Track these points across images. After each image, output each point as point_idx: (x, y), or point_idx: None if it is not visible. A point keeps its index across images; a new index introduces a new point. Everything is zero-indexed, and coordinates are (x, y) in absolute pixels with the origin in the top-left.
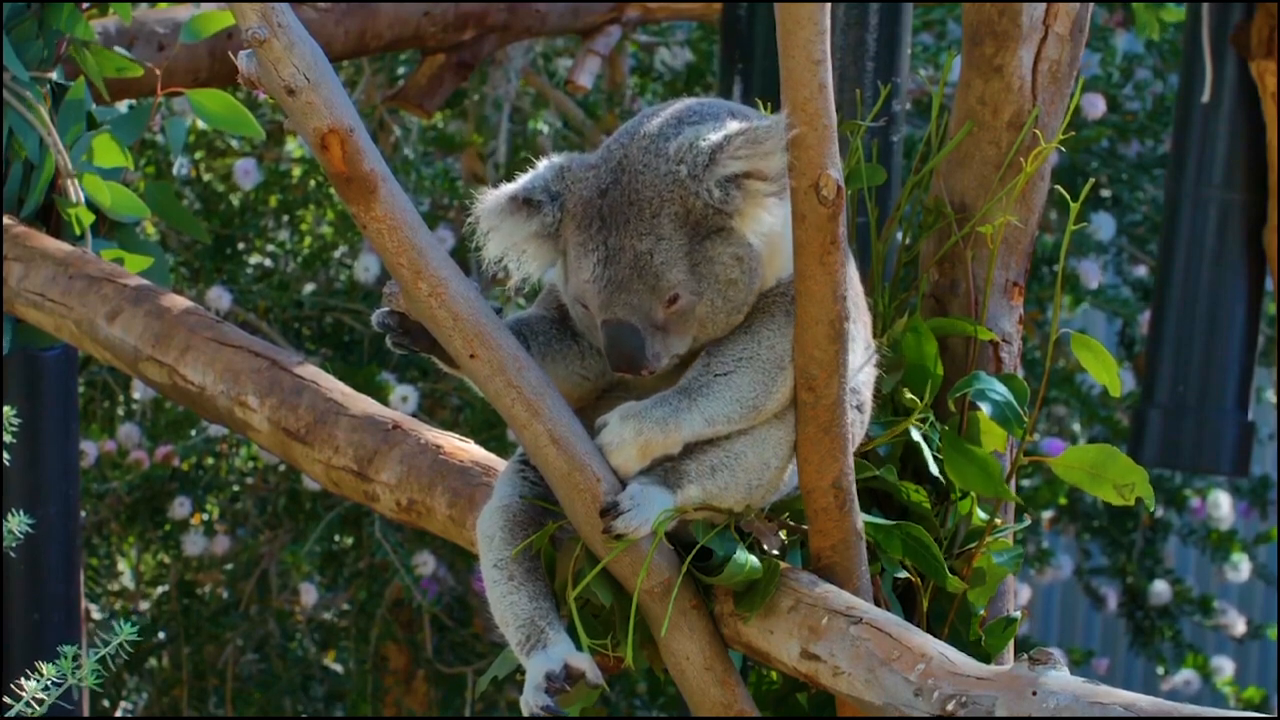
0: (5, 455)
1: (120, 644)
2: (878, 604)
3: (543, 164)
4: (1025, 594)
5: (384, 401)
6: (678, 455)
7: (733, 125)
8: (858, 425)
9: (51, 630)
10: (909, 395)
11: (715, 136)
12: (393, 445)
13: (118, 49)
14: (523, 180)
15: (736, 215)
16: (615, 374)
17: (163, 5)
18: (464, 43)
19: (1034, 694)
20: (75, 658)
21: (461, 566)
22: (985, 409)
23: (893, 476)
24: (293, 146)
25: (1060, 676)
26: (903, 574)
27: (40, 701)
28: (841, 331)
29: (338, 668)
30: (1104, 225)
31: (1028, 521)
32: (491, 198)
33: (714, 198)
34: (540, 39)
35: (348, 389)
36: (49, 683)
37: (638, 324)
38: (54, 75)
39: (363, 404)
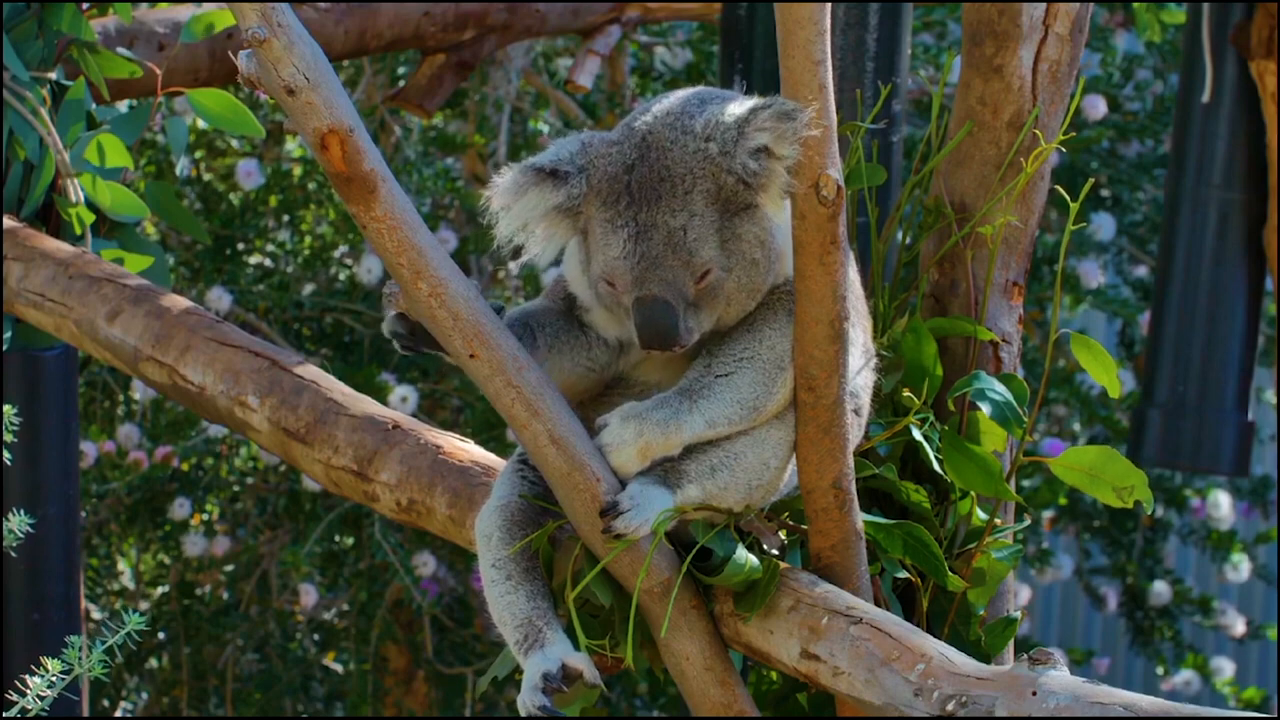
0: (5, 455)
1: (124, 638)
2: (878, 604)
3: (563, 139)
4: (1025, 594)
5: (384, 401)
6: (677, 455)
7: (757, 100)
8: (855, 429)
9: (51, 630)
10: (909, 394)
11: (741, 110)
12: (393, 445)
13: (120, 50)
14: (546, 153)
15: (762, 191)
16: (618, 368)
17: (163, 5)
18: (464, 43)
19: (1034, 694)
20: (79, 649)
21: (461, 567)
22: (985, 409)
23: (892, 475)
24: (293, 146)
25: (1060, 676)
26: (903, 574)
27: (43, 697)
28: (841, 331)
29: (338, 668)
30: (1104, 225)
31: (1028, 521)
32: (514, 170)
33: (747, 170)
34: (540, 39)
35: (348, 389)
36: (52, 679)
37: (672, 300)
38: (54, 75)
39: (363, 404)
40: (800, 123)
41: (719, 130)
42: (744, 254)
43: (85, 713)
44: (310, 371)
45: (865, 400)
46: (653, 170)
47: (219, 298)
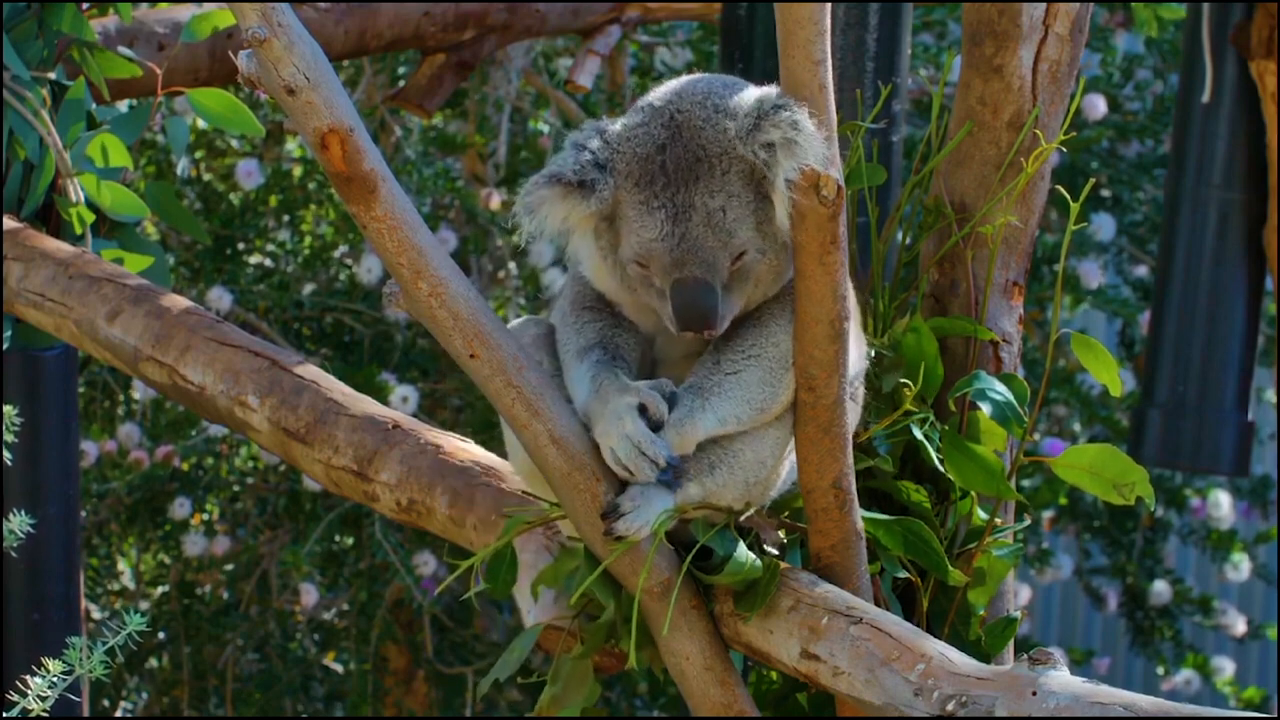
0: (5, 455)
1: (124, 639)
2: (878, 604)
3: (580, 135)
4: (1025, 594)
5: (384, 401)
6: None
7: (777, 95)
8: (853, 414)
9: (51, 630)
10: (905, 382)
11: (767, 99)
12: (393, 445)
13: (120, 50)
14: (567, 160)
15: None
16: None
17: (163, 5)
18: (464, 43)
19: (1034, 694)
20: (80, 650)
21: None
22: (985, 409)
23: (889, 466)
24: (293, 146)
25: (1060, 676)
26: (903, 574)
27: (44, 698)
28: (842, 331)
29: (338, 668)
30: (1104, 225)
31: (1028, 521)
32: (539, 183)
33: (759, 158)
34: (540, 39)
35: (348, 389)
36: (54, 679)
37: (712, 280)
38: (54, 75)
39: (363, 404)
40: (805, 131)
41: (740, 113)
42: (775, 236)
43: (85, 713)
44: (310, 371)
45: (860, 390)
46: (688, 150)
47: (219, 298)
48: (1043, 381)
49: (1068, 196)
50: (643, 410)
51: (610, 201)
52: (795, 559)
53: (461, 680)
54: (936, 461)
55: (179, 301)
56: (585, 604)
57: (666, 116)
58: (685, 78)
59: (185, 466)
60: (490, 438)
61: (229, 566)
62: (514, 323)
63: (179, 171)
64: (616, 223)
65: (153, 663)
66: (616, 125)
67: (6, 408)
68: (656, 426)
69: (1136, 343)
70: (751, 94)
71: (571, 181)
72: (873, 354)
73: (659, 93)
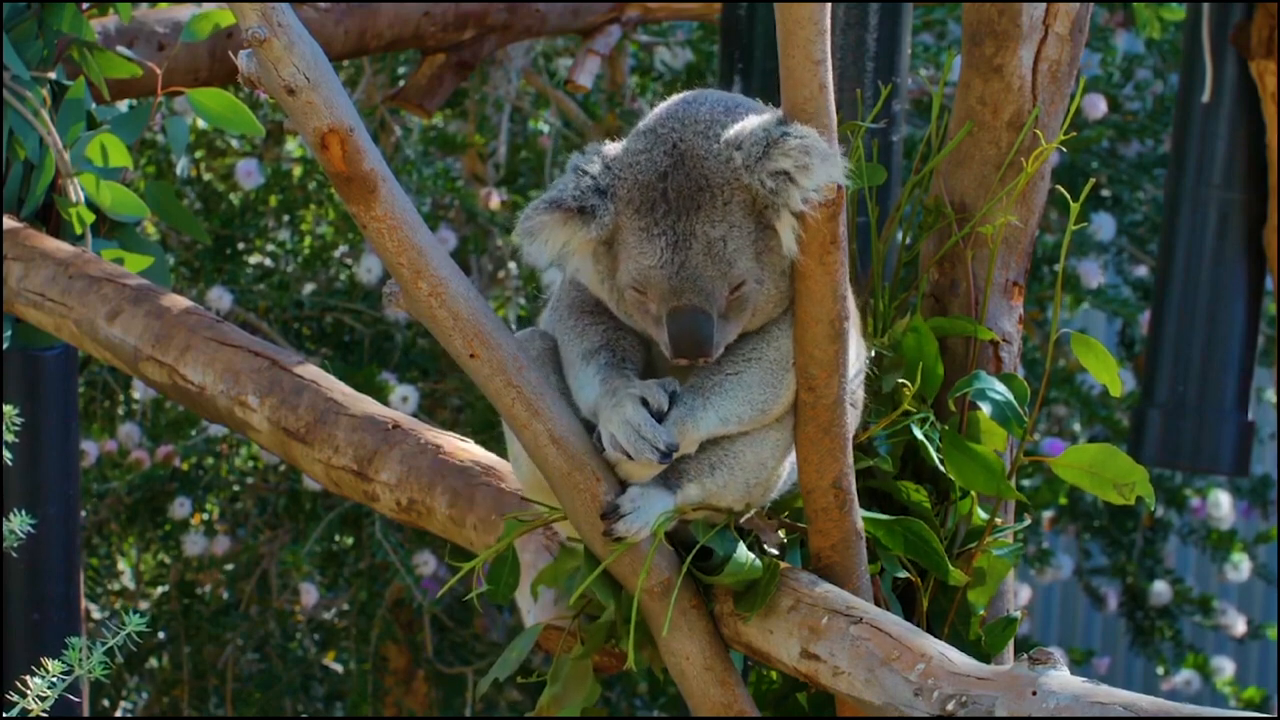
0: (5, 455)
1: (124, 639)
2: (878, 604)
3: (582, 159)
4: (1025, 594)
5: (384, 401)
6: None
7: (788, 124)
8: (852, 419)
9: (51, 630)
10: (903, 383)
11: (772, 126)
12: (393, 445)
13: (120, 50)
14: (568, 186)
15: (781, 209)
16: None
17: (163, 5)
18: (464, 43)
19: (1034, 694)
20: (80, 650)
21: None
22: (985, 409)
23: (888, 466)
24: (293, 146)
25: (1060, 676)
26: (903, 574)
27: (44, 698)
28: (842, 331)
29: (338, 668)
30: (1104, 225)
31: (1028, 521)
32: (540, 209)
33: (766, 187)
34: (540, 39)
35: (348, 389)
36: (54, 679)
37: (709, 310)
38: (54, 75)
39: (363, 404)
40: (827, 148)
41: (747, 143)
42: (775, 265)
43: (85, 713)
44: (310, 371)
45: (860, 394)
46: (690, 179)
47: (219, 298)
48: (1043, 381)
49: (1068, 196)
50: (645, 403)
51: (610, 227)
52: (795, 559)
53: (461, 680)
54: (936, 461)
55: (179, 301)
56: (585, 604)
57: (669, 144)
58: (683, 98)
59: (185, 466)
60: (490, 438)
61: (229, 566)
62: (519, 334)
63: (179, 171)
64: (615, 247)
65: (153, 663)
66: (617, 149)
67: (6, 408)
68: (657, 419)
69: (1136, 343)
70: (754, 122)
71: (572, 208)
72: (873, 354)
73: (659, 116)
